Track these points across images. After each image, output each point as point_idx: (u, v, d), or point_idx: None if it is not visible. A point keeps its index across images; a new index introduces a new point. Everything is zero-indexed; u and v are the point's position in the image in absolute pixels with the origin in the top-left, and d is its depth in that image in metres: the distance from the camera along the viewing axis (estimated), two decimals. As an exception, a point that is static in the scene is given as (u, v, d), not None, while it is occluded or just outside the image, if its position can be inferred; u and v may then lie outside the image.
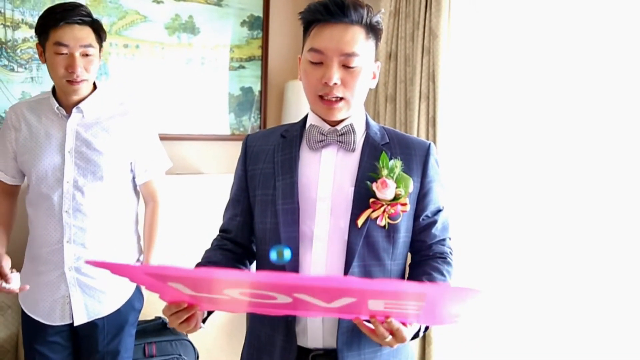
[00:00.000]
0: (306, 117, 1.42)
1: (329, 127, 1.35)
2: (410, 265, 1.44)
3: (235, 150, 3.13)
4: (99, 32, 1.85)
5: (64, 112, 1.86)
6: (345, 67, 1.27)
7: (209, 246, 1.49)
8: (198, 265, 1.41)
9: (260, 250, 1.41)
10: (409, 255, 1.44)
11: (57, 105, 1.85)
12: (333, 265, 1.30)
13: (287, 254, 1.26)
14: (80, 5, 1.82)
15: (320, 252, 1.30)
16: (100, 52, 1.86)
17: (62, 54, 1.77)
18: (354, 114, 1.36)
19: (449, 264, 1.39)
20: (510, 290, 2.41)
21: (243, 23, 3.14)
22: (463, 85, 2.57)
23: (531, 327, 2.33)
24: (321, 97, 1.29)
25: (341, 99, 1.29)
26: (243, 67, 3.16)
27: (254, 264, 1.51)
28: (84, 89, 1.84)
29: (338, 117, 1.33)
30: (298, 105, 3.03)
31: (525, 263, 2.37)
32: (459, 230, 2.55)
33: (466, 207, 2.56)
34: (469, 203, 2.56)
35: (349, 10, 1.25)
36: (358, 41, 1.26)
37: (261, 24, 3.19)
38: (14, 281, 1.78)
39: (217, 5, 3.04)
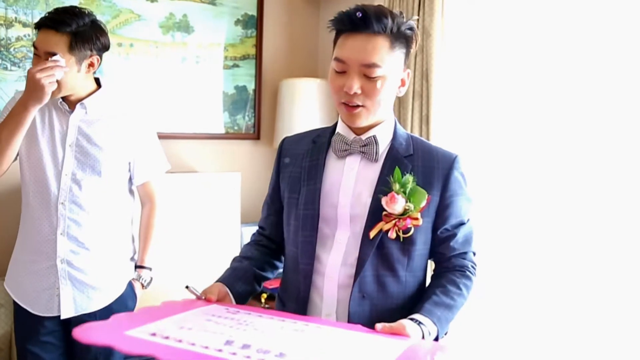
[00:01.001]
0: (337, 123, 1.45)
1: (354, 136, 1.38)
2: (432, 276, 1.45)
3: (229, 149, 3.17)
4: (79, 44, 1.80)
5: (67, 107, 1.88)
6: (367, 77, 1.28)
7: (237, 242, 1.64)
8: (233, 260, 1.50)
9: (286, 249, 1.49)
10: (431, 264, 1.47)
11: (61, 100, 1.86)
12: (346, 271, 1.34)
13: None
14: (68, 12, 1.81)
15: (337, 256, 1.35)
16: (80, 62, 1.82)
17: (36, 55, 1.80)
18: (380, 121, 1.38)
19: (467, 277, 1.39)
20: (506, 290, 2.42)
21: (237, 22, 3.15)
22: (456, 83, 2.58)
23: (533, 328, 2.32)
24: (344, 103, 1.32)
25: (361, 106, 1.31)
26: (237, 66, 3.16)
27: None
28: (53, 93, 1.77)
29: (358, 123, 1.35)
30: (292, 103, 3.03)
31: (520, 261, 2.38)
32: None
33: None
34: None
35: (371, 21, 1.26)
36: (380, 52, 1.27)
37: (255, 23, 3.20)
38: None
39: (212, 4, 3.04)
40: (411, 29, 1.31)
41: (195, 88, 3.05)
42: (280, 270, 1.56)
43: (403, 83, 1.36)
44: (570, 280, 2.22)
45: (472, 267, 1.43)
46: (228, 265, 1.49)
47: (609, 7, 2.08)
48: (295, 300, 1.39)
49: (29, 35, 2.53)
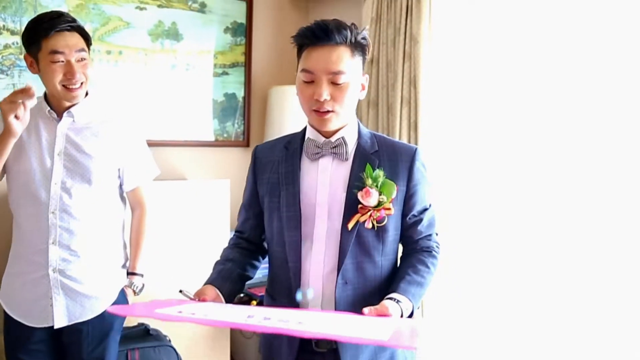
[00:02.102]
0: (305, 129, 1.57)
1: (323, 139, 1.50)
2: (401, 257, 1.60)
3: (219, 156, 3.17)
4: (87, 37, 1.87)
5: (55, 116, 1.87)
6: (334, 83, 1.41)
7: (221, 245, 1.69)
8: (216, 263, 1.60)
9: (270, 250, 1.60)
10: (400, 247, 1.61)
11: (49, 108, 1.86)
12: (329, 262, 1.47)
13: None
14: (63, 13, 1.84)
15: (319, 251, 1.48)
16: (90, 56, 1.88)
17: (59, 62, 1.79)
18: (346, 124, 1.51)
19: (434, 256, 1.56)
20: (502, 290, 2.44)
21: (226, 29, 3.16)
22: (444, 90, 2.61)
23: (527, 325, 2.35)
24: (315, 110, 1.44)
25: (331, 111, 1.43)
26: (226, 74, 3.18)
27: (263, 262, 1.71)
28: (81, 95, 1.86)
29: (329, 127, 1.47)
30: (281, 111, 3.05)
31: (513, 263, 2.40)
32: (440, 231, 2.58)
33: (447, 209, 2.59)
34: (450, 205, 2.59)
35: (333, 34, 1.39)
36: (343, 60, 1.40)
37: (244, 31, 3.22)
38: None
39: (201, 12, 3.05)
40: (364, 38, 1.44)
41: (184, 95, 3.05)
42: (259, 269, 1.69)
43: (363, 87, 1.50)
44: (563, 278, 2.25)
45: (437, 247, 1.59)
46: (212, 269, 1.58)
47: (596, 12, 2.12)
48: (287, 295, 1.50)
49: (17, 43, 2.52)
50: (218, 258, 1.63)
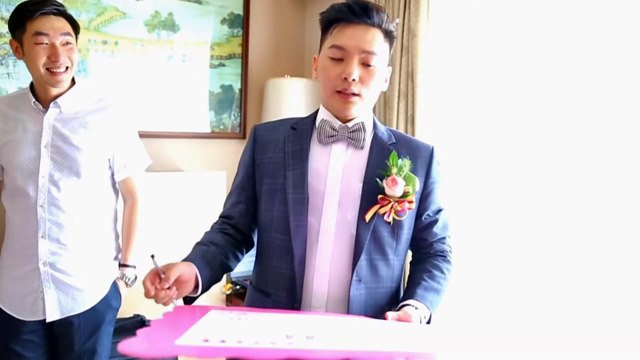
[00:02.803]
0: (316, 113, 1.47)
1: (340, 123, 1.40)
2: (412, 262, 1.52)
3: (215, 147, 3.16)
4: (74, 24, 1.85)
5: (41, 107, 1.85)
6: (364, 65, 1.33)
7: (208, 229, 1.51)
8: (198, 244, 1.42)
9: (265, 238, 1.45)
10: (409, 252, 1.52)
11: (34, 99, 1.83)
12: (340, 257, 1.36)
13: None
14: None
15: (327, 245, 1.36)
16: (76, 44, 1.86)
17: (43, 43, 1.76)
18: (365, 113, 1.42)
19: (448, 262, 1.48)
20: (507, 290, 2.43)
21: (223, 21, 3.14)
22: (441, 83, 2.60)
23: (530, 326, 2.34)
24: (339, 92, 1.35)
25: (357, 94, 1.34)
26: (223, 65, 3.16)
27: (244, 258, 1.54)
28: (65, 80, 1.83)
29: (353, 112, 1.38)
30: (278, 103, 3.03)
31: (517, 262, 2.39)
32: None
33: (446, 204, 2.59)
34: (448, 199, 2.58)
35: (372, 13, 1.33)
36: (377, 42, 1.34)
37: (241, 22, 3.19)
38: None
39: (197, 2, 3.03)
40: (393, 30, 1.39)
41: (181, 87, 3.04)
42: (239, 262, 1.50)
43: (386, 80, 1.43)
44: (564, 278, 2.24)
45: (450, 251, 1.51)
46: (191, 249, 1.41)
47: (593, 8, 2.11)
48: (287, 289, 1.37)
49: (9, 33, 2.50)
50: (199, 240, 1.45)
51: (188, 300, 1.32)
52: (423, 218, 1.45)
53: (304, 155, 1.39)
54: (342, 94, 1.34)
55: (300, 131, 1.44)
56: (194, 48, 3.05)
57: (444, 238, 1.50)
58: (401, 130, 2.63)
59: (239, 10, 3.18)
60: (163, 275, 1.20)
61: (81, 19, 2.64)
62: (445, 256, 1.48)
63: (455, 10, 2.55)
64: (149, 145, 2.14)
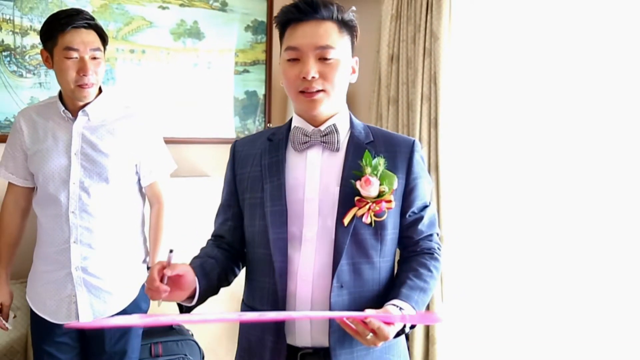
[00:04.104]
0: (291, 120, 1.44)
1: (312, 128, 1.37)
2: (398, 261, 1.46)
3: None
4: (103, 36, 1.90)
5: (70, 116, 1.90)
6: (322, 60, 1.30)
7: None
8: (195, 258, 1.43)
9: (250, 253, 1.43)
10: (398, 251, 1.47)
11: (64, 108, 1.89)
12: (321, 264, 1.33)
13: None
14: (82, 10, 1.87)
15: (309, 252, 1.33)
16: (104, 55, 1.91)
17: (72, 58, 1.81)
18: (337, 112, 1.39)
19: (436, 259, 1.42)
20: (515, 290, 2.43)
21: (247, 28, 3.18)
22: (464, 86, 2.59)
23: (533, 325, 2.34)
24: (302, 92, 1.32)
25: (321, 90, 1.31)
26: (247, 71, 3.20)
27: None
28: (92, 93, 1.88)
29: (321, 110, 1.34)
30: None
31: (529, 263, 2.39)
32: (460, 231, 2.57)
33: (467, 208, 2.58)
34: (470, 203, 2.58)
35: (319, 7, 1.30)
36: (331, 35, 1.31)
37: (265, 29, 3.23)
38: (8, 324, 2.02)
39: (222, 10, 3.08)
40: (351, 20, 1.36)
41: (206, 93, 3.09)
42: (236, 277, 1.51)
43: (354, 70, 1.39)
44: (573, 281, 2.23)
45: (439, 248, 1.46)
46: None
47: (621, 11, 2.08)
48: (272, 303, 1.34)
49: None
50: (196, 255, 1.46)
51: (185, 310, 1.33)
52: (407, 216, 1.40)
53: (280, 166, 1.37)
54: (306, 94, 1.31)
55: (276, 142, 1.42)
56: (219, 55, 3.10)
57: (430, 235, 1.45)
58: (424, 134, 2.63)
59: (263, 17, 3.22)
60: (167, 266, 1.22)
61: (109, 28, 2.71)
62: (432, 253, 1.43)
63: (477, 13, 2.55)
64: (176, 151, 2.18)
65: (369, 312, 1.19)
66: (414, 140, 1.43)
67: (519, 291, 2.41)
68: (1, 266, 2.00)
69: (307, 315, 1.29)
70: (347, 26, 1.35)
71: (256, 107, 3.25)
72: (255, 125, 3.25)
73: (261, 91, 3.26)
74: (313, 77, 1.29)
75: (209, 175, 3.11)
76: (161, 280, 1.21)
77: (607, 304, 2.13)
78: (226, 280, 1.44)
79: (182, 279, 1.25)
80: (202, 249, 1.49)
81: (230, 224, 1.48)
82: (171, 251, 1.23)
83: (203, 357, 2.53)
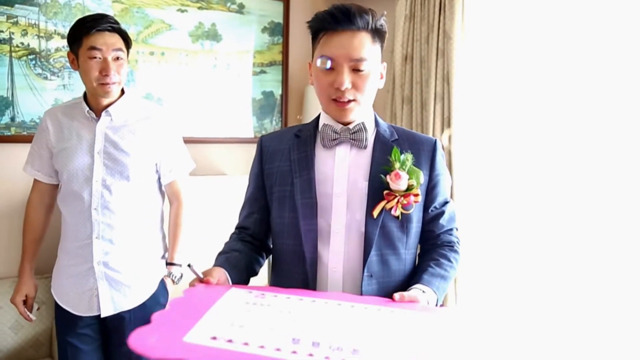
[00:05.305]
0: (318, 118, 1.50)
1: (341, 126, 1.42)
2: (419, 254, 1.52)
3: (257, 152, 3.25)
4: (126, 39, 1.98)
5: (94, 116, 1.98)
6: (355, 71, 1.34)
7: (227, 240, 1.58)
8: (220, 253, 1.49)
9: (278, 244, 1.50)
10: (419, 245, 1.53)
11: (88, 109, 1.97)
12: (351, 255, 1.39)
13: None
14: (107, 15, 1.96)
15: (338, 244, 1.39)
16: (127, 58, 1.98)
17: (96, 57, 1.90)
18: (364, 114, 1.44)
19: (456, 251, 1.49)
20: (527, 292, 2.44)
21: (264, 29, 3.25)
22: (477, 86, 2.62)
23: (536, 323, 2.35)
24: (334, 100, 1.36)
25: (352, 100, 1.36)
26: (264, 72, 3.26)
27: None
28: (114, 91, 1.96)
29: (351, 117, 1.40)
30: (317, 108, 3.05)
31: (538, 261, 2.40)
32: (472, 228, 2.59)
33: (480, 206, 2.61)
34: (483, 202, 2.60)
35: (355, 18, 1.32)
36: (365, 46, 1.33)
37: (281, 30, 3.30)
38: (32, 315, 2.09)
39: (239, 12, 3.15)
40: (382, 25, 1.37)
41: (224, 94, 3.16)
42: (261, 267, 1.56)
43: (382, 76, 1.43)
44: (580, 281, 2.24)
45: (457, 242, 1.52)
46: (214, 260, 1.46)
47: (629, 9, 2.09)
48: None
49: (67, 47, 2.66)
50: (220, 250, 1.51)
51: None
52: (430, 210, 1.46)
53: (310, 161, 1.42)
54: (338, 102, 1.36)
55: (304, 138, 1.47)
56: (237, 56, 3.17)
57: (451, 229, 1.51)
58: (437, 133, 2.67)
59: (279, 19, 3.28)
60: (203, 280, 1.28)
61: (130, 31, 2.78)
62: (452, 246, 1.49)
63: (490, 13, 2.57)
64: (195, 150, 2.24)
65: (396, 296, 1.26)
66: (435, 140, 1.49)
67: (531, 293, 2.41)
68: (26, 260, 2.08)
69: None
70: (379, 33, 1.37)
71: (273, 107, 3.31)
72: (272, 125, 3.31)
73: (278, 91, 3.32)
74: (346, 88, 1.33)
75: (226, 174, 3.18)
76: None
77: (621, 304, 2.13)
78: (253, 270, 1.50)
79: (218, 280, 1.32)
80: (226, 244, 1.55)
81: (256, 217, 1.54)
82: (190, 265, 1.28)
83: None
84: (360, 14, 1.33)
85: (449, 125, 2.62)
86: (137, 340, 0.98)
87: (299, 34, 3.38)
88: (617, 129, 2.15)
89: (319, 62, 1.35)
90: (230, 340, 0.99)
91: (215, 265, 1.40)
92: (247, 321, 1.09)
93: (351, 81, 1.33)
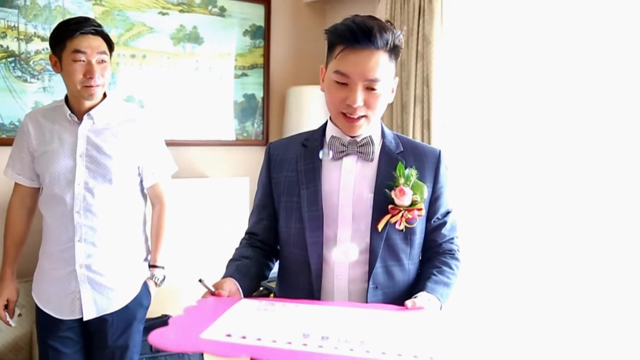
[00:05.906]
0: (325, 125, 1.51)
1: (349, 138, 1.44)
2: (421, 261, 1.54)
3: (239, 154, 3.28)
4: (109, 42, 1.98)
5: (76, 119, 1.97)
6: (369, 89, 1.34)
7: (236, 244, 1.62)
8: (231, 260, 1.52)
9: (285, 252, 1.53)
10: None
11: (70, 112, 1.96)
12: (356, 266, 1.42)
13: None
14: (90, 18, 1.95)
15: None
16: (110, 60, 1.98)
17: (80, 61, 1.89)
18: (372, 127, 1.45)
19: (457, 259, 1.54)
20: (523, 294, 2.45)
21: (245, 32, 3.26)
22: (456, 89, 2.66)
23: (533, 325, 2.36)
24: (344, 114, 1.37)
25: (363, 116, 1.37)
26: (246, 75, 3.28)
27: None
28: (98, 94, 1.96)
29: (359, 132, 1.42)
30: (299, 110, 3.13)
31: (517, 262, 2.43)
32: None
33: (458, 207, 2.63)
34: (462, 203, 2.63)
35: (375, 37, 1.30)
36: (381, 66, 1.33)
37: (263, 33, 3.31)
38: (12, 321, 2.09)
39: (220, 15, 3.16)
40: (400, 41, 1.37)
41: (206, 97, 3.17)
42: (271, 271, 1.60)
43: (392, 90, 1.44)
44: (569, 279, 2.26)
45: (458, 250, 1.56)
46: (225, 268, 1.50)
47: (612, 11, 2.12)
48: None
49: (47, 49, 2.64)
50: (231, 257, 1.55)
51: None
52: (432, 221, 1.50)
53: (317, 173, 1.44)
54: (348, 118, 1.37)
55: (311, 149, 1.48)
56: (218, 59, 3.18)
57: (452, 238, 1.55)
58: (417, 134, 2.70)
59: (261, 22, 3.30)
60: (215, 293, 1.30)
61: (111, 34, 2.75)
62: (453, 254, 1.54)
63: (469, 17, 2.61)
64: (177, 153, 2.24)
65: (408, 304, 1.29)
66: (439, 151, 1.52)
67: (526, 295, 2.41)
68: (8, 264, 2.07)
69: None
70: (396, 50, 1.36)
71: (255, 109, 3.33)
72: (254, 128, 3.33)
73: (259, 94, 3.33)
74: (358, 106, 1.34)
75: (207, 176, 3.18)
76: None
77: (620, 307, 2.14)
78: (263, 275, 1.53)
79: (229, 292, 1.34)
80: (236, 250, 1.58)
81: (265, 223, 1.56)
82: (201, 280, 1.31)
83: (203, 355, 2.59)
84: (381, 33, 1.31)
85: (428, 127, 2.66)
86: (156, 335, 1.04)
87: (280, 37, 3.40)
88: (602, 129, 2.16)
89: (333, 75, 1.35)
90: (244, 337, 1.06)
91: (226, 273, 1.44)
92: (259, 322, 1.16)
93: (364, 99, 1.34)
